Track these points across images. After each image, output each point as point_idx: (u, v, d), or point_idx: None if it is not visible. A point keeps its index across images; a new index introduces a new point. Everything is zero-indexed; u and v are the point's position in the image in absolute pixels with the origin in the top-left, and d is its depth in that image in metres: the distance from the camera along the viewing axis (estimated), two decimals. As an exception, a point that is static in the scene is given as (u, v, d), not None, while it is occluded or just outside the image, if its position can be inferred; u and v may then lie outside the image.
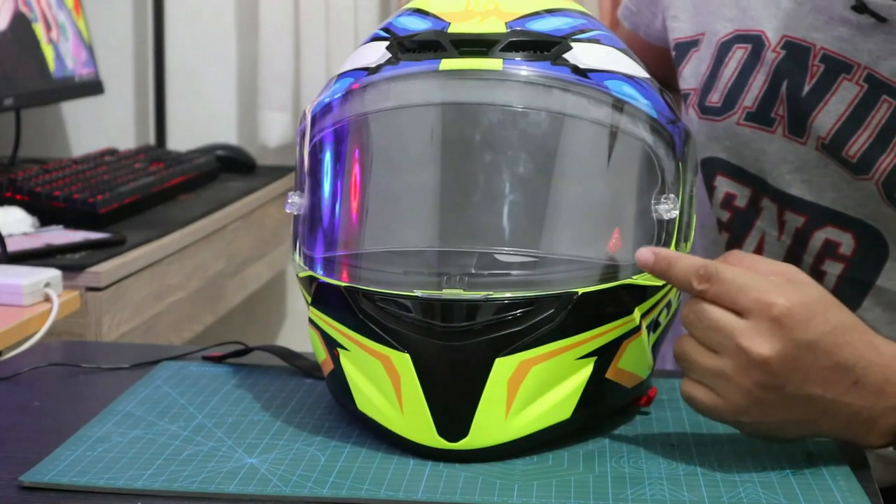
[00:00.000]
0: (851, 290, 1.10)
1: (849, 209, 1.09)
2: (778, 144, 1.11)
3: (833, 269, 1.11)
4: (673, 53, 1.24)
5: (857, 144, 1.07)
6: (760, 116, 1.12)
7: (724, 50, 1.15)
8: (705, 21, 1.18)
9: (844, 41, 1.09)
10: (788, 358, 0.85)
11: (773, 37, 1.13)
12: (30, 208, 1.89)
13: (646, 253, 0.89)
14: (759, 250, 1.15)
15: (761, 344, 0.85)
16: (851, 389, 0.87)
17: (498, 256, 0.93)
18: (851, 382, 0.87)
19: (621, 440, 0.95)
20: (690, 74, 1.21)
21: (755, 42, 1.14)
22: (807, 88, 1.10)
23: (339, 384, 0.96)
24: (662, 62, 1.28)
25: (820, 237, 1.11)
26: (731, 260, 0.89)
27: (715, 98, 1.17)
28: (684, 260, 0.88)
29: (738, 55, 1.14)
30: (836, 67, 1.09)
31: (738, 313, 0.86)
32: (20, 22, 2.28)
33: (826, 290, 0.89)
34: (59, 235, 1.81)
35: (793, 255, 1.12)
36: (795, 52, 1.11)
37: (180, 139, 2.72)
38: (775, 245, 1.13)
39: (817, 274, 1.11)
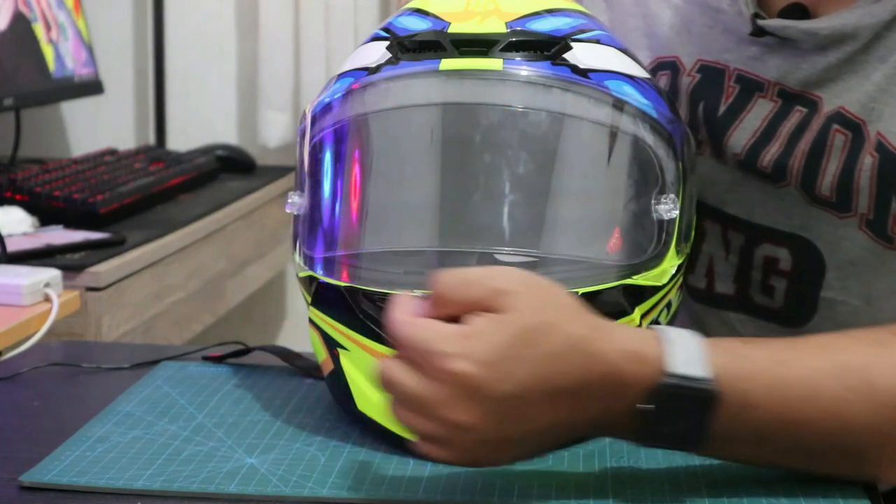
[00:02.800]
0: (799, 306, 1.09)
1: (779, 224, 1.09)
2: (708, 166, 1.12)
3: (779, 284, 1.10)
4: None
5: (770, 154, 1.08)
6: None
7: None
8: None
9: (755, 60, 1.10)
10: (495, 415, 0.79)
11: (687, 62, 1.13)
12: (30, 208, 1.89)
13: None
14: (709, 273, 1.14)
15: (460, 413, 0.79)
16: (575, 409, 0.82)
17: (498, 256, 0.93)
18: (573, 403, 0.81)
19: (621, 440, 0.95)
20: None
21: (673, 68, 1.15)
22: (722, 109, 1.11)
23: (339, 384, 0.96)
24: None
25: (760, 254, 1.11)
26: (433, 301, 0.82)
27: None
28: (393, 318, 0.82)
29: (663, 82, 1.14)
30: (750, 86, 1.10)
31: (435, 379, 0.80)
32: (20, 22, 2.28)
33: (536, 310, 0.80)
34: (59, 235, 1.81)
35: (742, 274, 1.12)
36: (710, 74, 1.12)
37: (180, 139, 2.73)
38: (724, 265, 1.13)
39: (767, 290, 1.11)
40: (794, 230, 1.08)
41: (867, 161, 1.03)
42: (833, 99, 1.05)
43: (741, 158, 1.09)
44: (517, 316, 0.80)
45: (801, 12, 1.08)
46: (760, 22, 1.08)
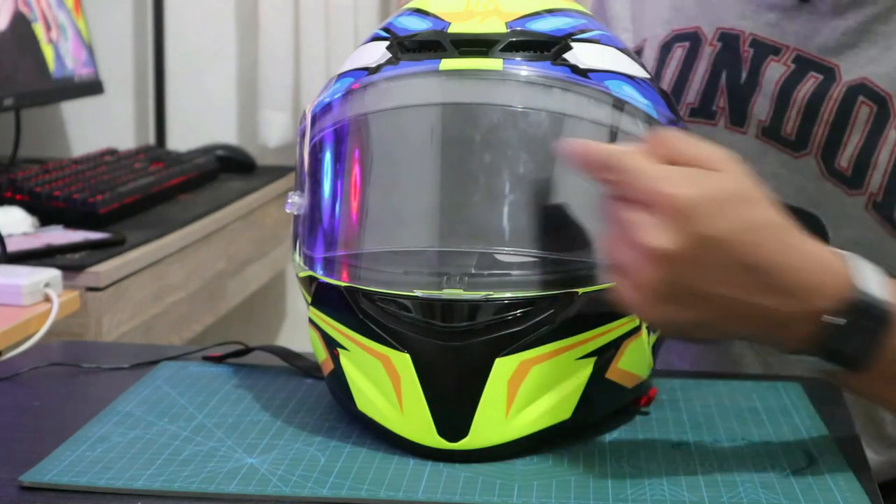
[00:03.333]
0: None
1: (788, 197, 1.10)
2: (721, 137, 1.13)
3: None
4: None
5: (791, 122, 1.10)
6: (702, 111, 1.14)
7: (664, 52, 1.17)
8: (646, 28, 1.20)
9: (773, 26, 1.12)
10: (689, 253, 0.80)
11: (708, 31, 1.16)
12: (30, 208, 1.89)
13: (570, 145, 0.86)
14: None
15: (660, 237, 0.80)
16: (758, 291, 0.83)
17: (498, 256, 0.93)
18: (761, 283, 0.83)
19: (621, 440, 0.95)
20: None
21: (692, 39, 1.17)
22: (744, 76, 1.13)
23: (339, 384, 0.96)
24: None
25: None
26: (653, 144, 0.85)
27: None
28: (596, 148, 0.85)
29: (678, 54, 1.16)
30: (764, 51, 1.12)
31: (646, 205, 0.82)
32: (20, 22, 2.28)
33: (755, 181, 0.84)
34: (59, 235, 1.81)
35: None
36: (729, 41, 1.15)
37: (180, 139, 2.73)
38: None
39: None
40: (801, 205, 1.10)
41: (892, 135, 1.05)
42: (854, 69, 1.08)
43: (766, 125, 1.11)
44: (734, 178, 0.83)
45: None
46: None
